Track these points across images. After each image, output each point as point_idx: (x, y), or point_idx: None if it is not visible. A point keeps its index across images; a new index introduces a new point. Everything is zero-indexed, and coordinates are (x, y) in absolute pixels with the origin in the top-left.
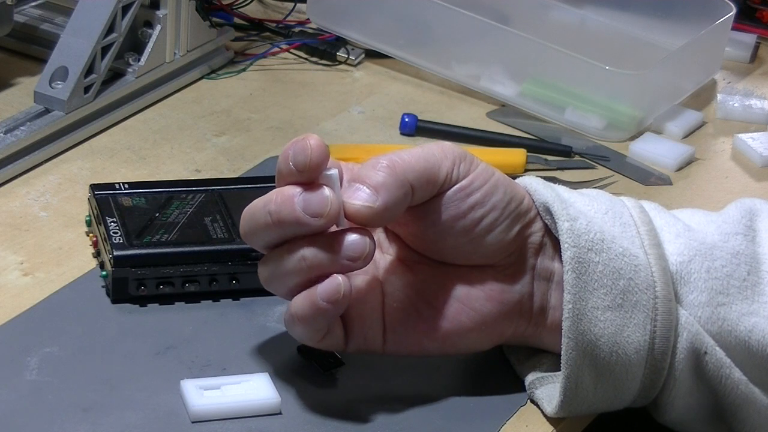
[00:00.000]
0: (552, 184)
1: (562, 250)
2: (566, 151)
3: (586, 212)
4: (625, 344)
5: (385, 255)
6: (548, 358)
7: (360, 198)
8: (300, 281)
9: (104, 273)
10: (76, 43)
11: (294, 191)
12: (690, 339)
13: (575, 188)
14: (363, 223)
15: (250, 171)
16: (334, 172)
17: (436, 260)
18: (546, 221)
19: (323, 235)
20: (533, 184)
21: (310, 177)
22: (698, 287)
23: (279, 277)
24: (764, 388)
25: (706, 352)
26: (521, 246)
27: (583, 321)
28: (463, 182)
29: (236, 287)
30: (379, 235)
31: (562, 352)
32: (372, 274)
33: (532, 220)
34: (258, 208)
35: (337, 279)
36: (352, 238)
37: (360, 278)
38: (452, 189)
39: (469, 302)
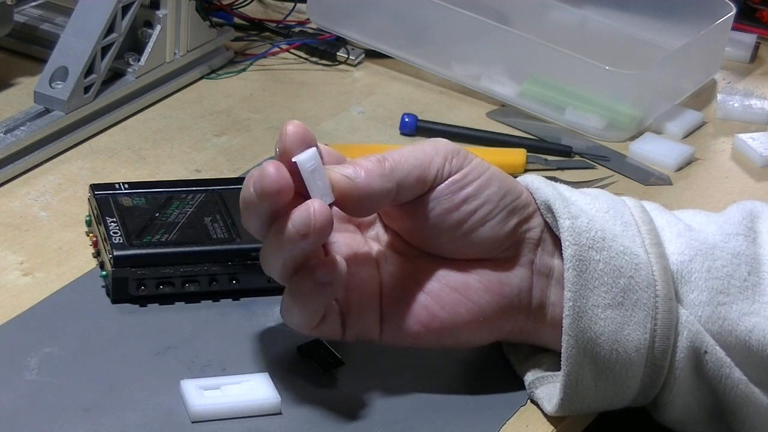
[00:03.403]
0: (553, 182)
1: (563, 248)
2: (566, 151)
3: (588, 211)
4: (626, 342)
5: (384, 249)
6: (548, 358)
7: (344, 171)
8: (281, 263)
9: (104, 273)
10: (76, 43)
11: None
12: (690, 338)
13: (576, 188)
14: (343, 197)
15: (250, 171)
16: (301, 156)
17: (434, 254)
18: (547, 219)
19: (287, 214)
20: (534, 183)
21: (284, 160)
22: (699, 287)
23: (264, 258)
24: (764, 388)
25: (706, 351)
26: (518, 240)
27: (584, 319)
28: (456, 176)
29: (236, 287)
30: (378, 230)
31: (563, 350)
32: (370, 263)
33: (531, 215)
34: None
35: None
36: (297, 211)
37: (357, 267)
38: (445, 183)
39: (468, 293)
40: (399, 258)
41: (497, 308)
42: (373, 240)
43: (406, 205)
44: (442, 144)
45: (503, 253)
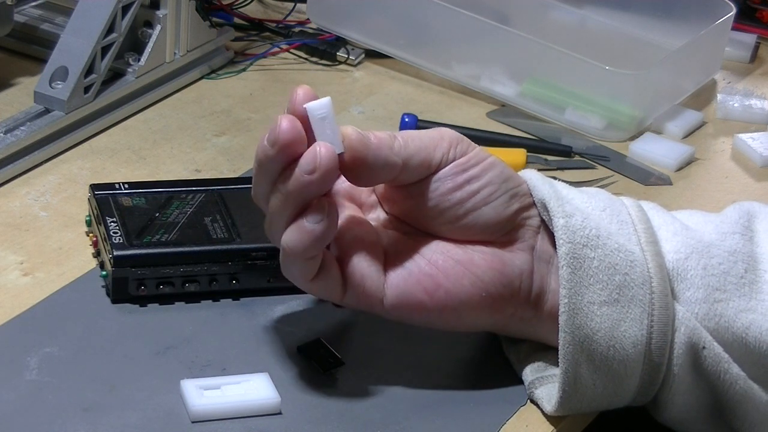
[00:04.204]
0: (551, 179)
1: (557, 246)
2: (566, 151)
3: (583, 209)
4: (623, 339)
5: (387, 231)
6: (548, 358)
7: (354, 128)
8: (283, 220)
9: (104, 273)
10: (76, 43)
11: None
12: (687, 334)
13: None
14: (353, 151)
15: (250, 171)
16: (313, 104)
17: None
18: (543, 216)
19: (291, 167)
20: (532, 180)
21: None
22: (695, 284)
23: (269, 224)
24: (762, 384)
25: (704, 347)
26: (519, 226)
27: (579, 315)
28: (461, 160)
29: (236, 287)
30: (379, 213)
31: (560, 347)
32: (372, 230)
33: (530, 205)
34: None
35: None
36: (304, 153)
37: (360, 229)
38: (449, 166)
39: (472, 267)
40: (402, 236)
41: (500, 286)
42: (375, 222)
43: (408, 187)
44: (447, 131)
45: (504, 237)
